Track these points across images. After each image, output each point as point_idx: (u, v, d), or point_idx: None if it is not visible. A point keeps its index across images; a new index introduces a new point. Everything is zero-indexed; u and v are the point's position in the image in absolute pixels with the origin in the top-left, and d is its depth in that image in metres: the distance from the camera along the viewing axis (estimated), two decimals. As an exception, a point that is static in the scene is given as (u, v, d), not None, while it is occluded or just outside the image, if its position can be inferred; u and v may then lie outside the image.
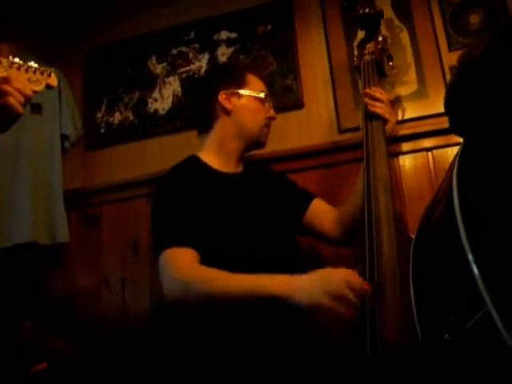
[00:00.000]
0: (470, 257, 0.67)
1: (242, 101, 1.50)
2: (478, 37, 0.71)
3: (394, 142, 1.87)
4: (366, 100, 1.53)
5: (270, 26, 2.06)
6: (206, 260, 1.25)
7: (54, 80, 1.08)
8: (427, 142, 1.84)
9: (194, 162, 1.49)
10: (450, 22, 1.94)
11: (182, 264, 1.23)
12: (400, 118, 1.89)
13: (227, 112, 1.50)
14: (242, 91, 1.50)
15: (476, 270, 0.67)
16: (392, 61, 1.76)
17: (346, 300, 1.05)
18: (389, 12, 1.99)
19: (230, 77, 1.54)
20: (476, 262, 0.68)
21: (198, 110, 1.61)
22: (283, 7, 2.06)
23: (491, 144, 0.66)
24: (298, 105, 1.98)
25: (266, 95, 1.53)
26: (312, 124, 1.98)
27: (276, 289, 1.12)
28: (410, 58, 1.93)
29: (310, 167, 1.88)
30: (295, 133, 1.98)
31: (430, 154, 1.83)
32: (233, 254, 1.31)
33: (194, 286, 1.19)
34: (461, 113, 0.72)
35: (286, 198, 1.56)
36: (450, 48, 1.90)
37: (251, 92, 1.51)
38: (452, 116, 0.74)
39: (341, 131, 1.93)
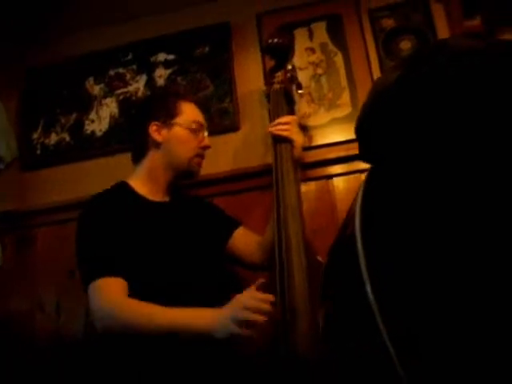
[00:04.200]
0: (368, 288, 0.67)
1: (173, 132, 1.49)
2: (395, 63, 0.71)
3: (328, 164, 1.90)
4: (273, 125, 1.55)
5: (207, 49, 2.07)
6: (135, 288, 1.26)
7: None
8: (363, 164, 1.86)
9: (122, 189, 1.47)
10: (382, 47, 1.98)
11: (111, 295, 1.23)
12: (334, 140, 1.91)
13: (157, 143, 1.49)
14: (173, 122, 1.49)
15: (373, 302, 0.65)
16: (301, 89, 1.80)
17: (250, 322, 1.09)
18: (324, 36, 2.03)
19: (162, 107, 1.53)
20: (373, 293, 0.67)
21: (131, 140, 1.60)
22: (221, 30, 2.07)
23: (396, 173, 0.66)
24: (235, 127, 1.98)
25: (199, 124, 1.52)
26: (248, 146, 1.99)
27: (198, 325, 1.15)
28: (343, 81, 1.97)
29: (222, 193, 1.88)
30: (231, 155, 1.98)
31: (364, 175, 1.85)
32: (159, 282, 1.31)
33: (120, 317, 1.20)
34: (370, 140, 0.72)
35: (211, 226, 1.56)
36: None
37: (183, 122, 1.50)
38: (361, 142, 0.74)
39: (276, 153, 1.94)
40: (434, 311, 0.51)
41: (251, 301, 1.11)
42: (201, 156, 1.54)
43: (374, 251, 0.65)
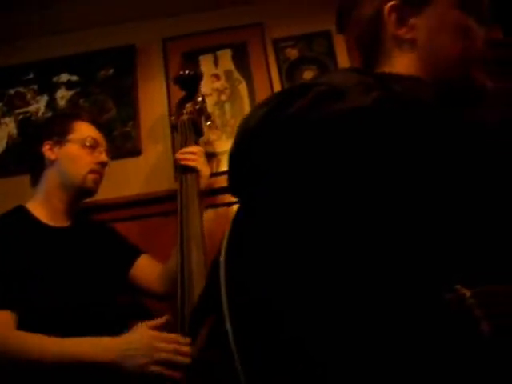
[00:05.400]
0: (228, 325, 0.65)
1: (66, 149, 1.47)
2: (265, 99, 0.70)
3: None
4: (179, 155, 1.56)
5: (112, 71, 2.04)
6: (31, 320, 1.20)
7: None
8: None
9: (18, 214, 1.42)
10: (286, 77, 2.02)
11: None
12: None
13: (52, 162, 1.47)
14: (65, 139, 1.47)
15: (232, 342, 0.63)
16: (210, 120, 1.81)
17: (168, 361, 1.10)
18: (229, 64, 2.04)
19: (55, 126, 1.51)
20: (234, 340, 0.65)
21: (27, 161, 1.57)
22: (126, 52, 2.05)
23: (261, 211, 0.65)
24: (137, 151, 1.96)
25: (93, 140, 1.50)
26: (150, 171, 1.97)
27: (99, 356, 1.13)
28: (247, 108, 1.99)
29: (125, 218, 1.86)
30: (133, 180, 1.96)
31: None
32: (55, 312, 1.26)
33: (5, 350, 1.14)
34: (237, 175, 0.71)
35: (112, 254, 1.53)
36: (285, 102, 1.98)
37: (75, 139, 1.48)
38: (229, 175, 0.73)
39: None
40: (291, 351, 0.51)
41: (163, 344, 1.13)
42: (97, 172, 1.50)
43: (235, 283, 0.63)
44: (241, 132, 0.65)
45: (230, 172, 0.67)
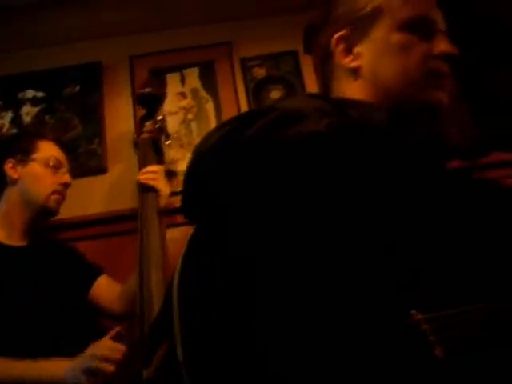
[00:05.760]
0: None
1: (29, 168, 1.47)
2: (223, 123, 0.70)
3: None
4: (140, 175, 1.56)
5: (78, 88, 2.03)
6: None
7: None
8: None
9: None
10: (252, 96, 2.03)
11: None
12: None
13: (14, 181, 1.46)
14: (28, 158, 1.47)
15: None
16: (169, 139, 1.81)
17: (98, 371, 1.10)
18: (196, 82, 2.05)
19: (19, 145, 1.51)
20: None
21: None
22: (92, 69, 2.04)
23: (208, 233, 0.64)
24: (102, 169, 1.95)
25: (57, 161, 1.50)
26: (116, 189, 1.96)
27: (49, 376, 1.14)
28: (213, 127, 1.99)
29: (90, 236, 1.85)
30: (98, 198, 1.95)
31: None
32: (13, 333, 1.25)
33: None
34: (191, 196, 0.70)
35: (72, 274, 1.52)
36: (251, 121, 1.99)
37: (39, 159, 1.47)
38: (184, 197, 0.72)
39: (143, 197, 1.93)
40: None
41: (100, 350, 1.12)
42: (59, 193, 1.51)
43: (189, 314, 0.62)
44: (196, 153, 0.64)
45: (184, 193, 0.66)
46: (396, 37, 0.82)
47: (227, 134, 0.60)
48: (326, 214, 0.55)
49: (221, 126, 0.64)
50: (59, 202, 1.52)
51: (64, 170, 1.54)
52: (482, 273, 0.54)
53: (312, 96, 0.83)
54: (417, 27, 0.82)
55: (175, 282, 0.59)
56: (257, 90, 2.04)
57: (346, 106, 0.77)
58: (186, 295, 0.58)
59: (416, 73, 0.81)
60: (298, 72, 2.06)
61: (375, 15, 0.84)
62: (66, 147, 1.67)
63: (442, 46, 0.83)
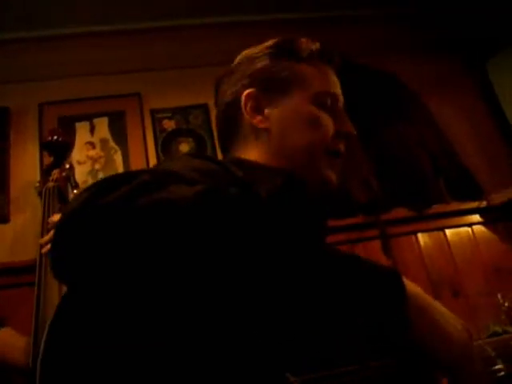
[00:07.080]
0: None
1: None
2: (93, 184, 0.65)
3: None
4: (42, 242, 1.55)
5: (-17, 134, 2.00)
6: None
7: None
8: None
9: None
10: (161, 148, 2.06)
11: None
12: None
13: None
14: None
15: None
16: (77, 188, 1.80)
17: None
18: (105, 132, 2.06)
19: None
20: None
21: None
22: (-1, 115, 2.02)
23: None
24: (4, 219, 1.94)
25: None
26: (18, 239, 1.95)
27: None
28: (121, 178, 2.00)
29: None
30: (-1, 248, 1.93)
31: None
32: None
33: None
34: (57, 259, 0.64)
35: None
36: (159, 172, 2.01)
37: None
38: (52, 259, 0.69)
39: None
40: None
41: None
42: None
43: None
44: (62, 215, 0.61)
45: (52, 255, 0.62)
46: (308, 109, 0.86)
47: (91, 197, 0.57)
48: (179, 291, 0.55)
49: (87, 188, 0.60)
50: None
51: None
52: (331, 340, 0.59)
53: (195, 157, 0.80)
54: (325, 103, 0.87)
55: (41, 349, 0.59)
56: (166, 143, 2.07)
57: (239, 166, 0.77)
58: (49, 371, 0.58)
59: (319, 149, 0.85)
60: (208, 125, 2.09)
61: (290, 83, 0.87)
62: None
63: (345, 126, 0.88)
